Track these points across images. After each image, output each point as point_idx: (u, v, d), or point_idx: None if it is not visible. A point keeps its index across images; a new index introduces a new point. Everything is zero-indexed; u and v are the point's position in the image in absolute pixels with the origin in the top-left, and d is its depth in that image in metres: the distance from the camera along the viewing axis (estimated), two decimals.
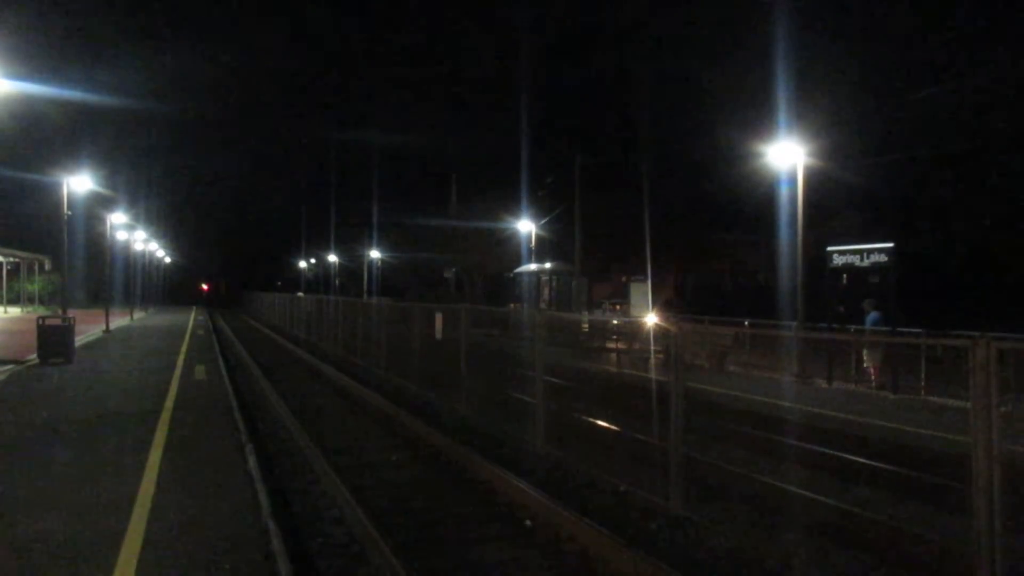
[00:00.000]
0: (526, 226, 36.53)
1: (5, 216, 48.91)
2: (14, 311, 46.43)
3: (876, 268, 17.87)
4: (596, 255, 40.39)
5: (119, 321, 38.85)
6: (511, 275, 37.73)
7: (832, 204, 29.97)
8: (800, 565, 6.47)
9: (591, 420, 12.21)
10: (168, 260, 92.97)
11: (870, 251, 18.09)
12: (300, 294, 55.29)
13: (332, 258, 76.13)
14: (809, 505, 7.74)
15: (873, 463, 9.39)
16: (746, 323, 22.49)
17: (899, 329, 17.03)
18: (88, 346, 24.41)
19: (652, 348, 20.44)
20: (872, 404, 13.70)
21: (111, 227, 40.33)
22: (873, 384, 15.88)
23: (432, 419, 12.32)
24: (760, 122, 22.95)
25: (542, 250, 36.76)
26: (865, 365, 16.45)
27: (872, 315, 16.82)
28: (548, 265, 34.17)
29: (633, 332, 22.28)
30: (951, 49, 28.37)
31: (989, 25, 27.65)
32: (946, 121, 27.51)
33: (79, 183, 27.85)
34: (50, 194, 32.38)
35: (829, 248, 19.27)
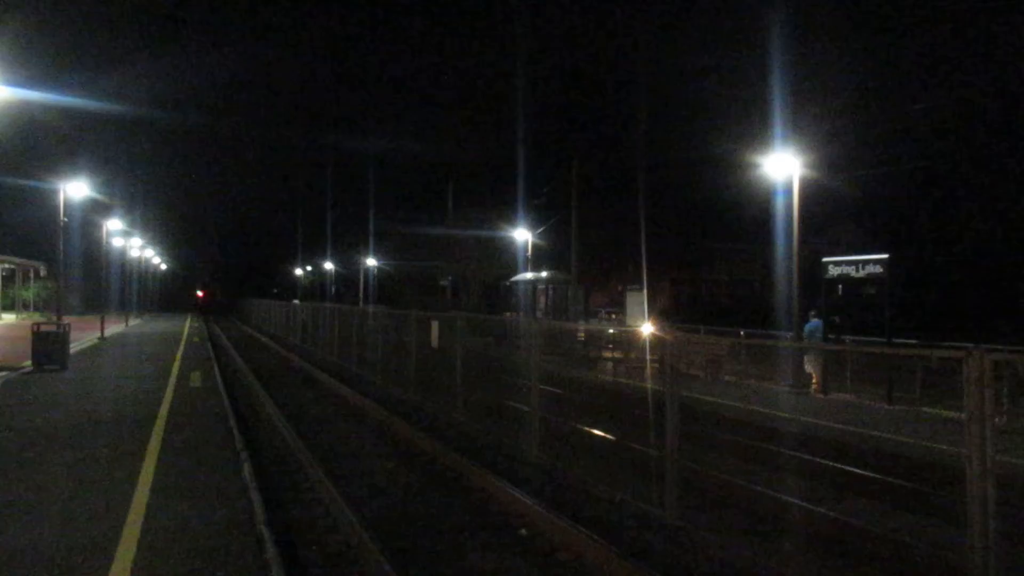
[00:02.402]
0: (522, 234, 36.56)
1: (0, 222, 48.85)
2: (9, 318, 46.31)
3: (871, 279, 17.92)
4: (593, 264, 40.46)
5: (114, 328, 38.79)
6: (507, 283, 37.75)
7: (828, 215, 30.08)
8: (796, 575, 6.47)
9: (586, 429, 12.21)
10: (164, 267, 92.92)
11: (865, 262, 18.14)
12: (296, 301, 55.22)
13: (328, 265, 76.12)
14: (804, 515, 7.75)
15: (868, 473, 9.41)
16: (741, 333, 22.52)
17: (894, 340, 17.08)
18: (83, 353, 24.35)
19: (648, 357, 20.47)
20: (867, 415, 13.73)
21: (107, 233, 40.30)
22: (812, 388, 17.00)
23: (428, 427, 12.32)
24: (757, 133, 23.07)
25: (539, 258, 36.77)
26: (807, 370, 17.47)
27: (811, 323, 18.24)
28: (544, 274, 34.17)
29: (629, 341, 22.29)
30: (947, 61, 28.53)
31: (985, 37, 27.82)
32: (941, 133, 27.65)
33: (75, 189, 27.84)
34: (46, 200, 32.38)
35: (824, 259, 19.30)
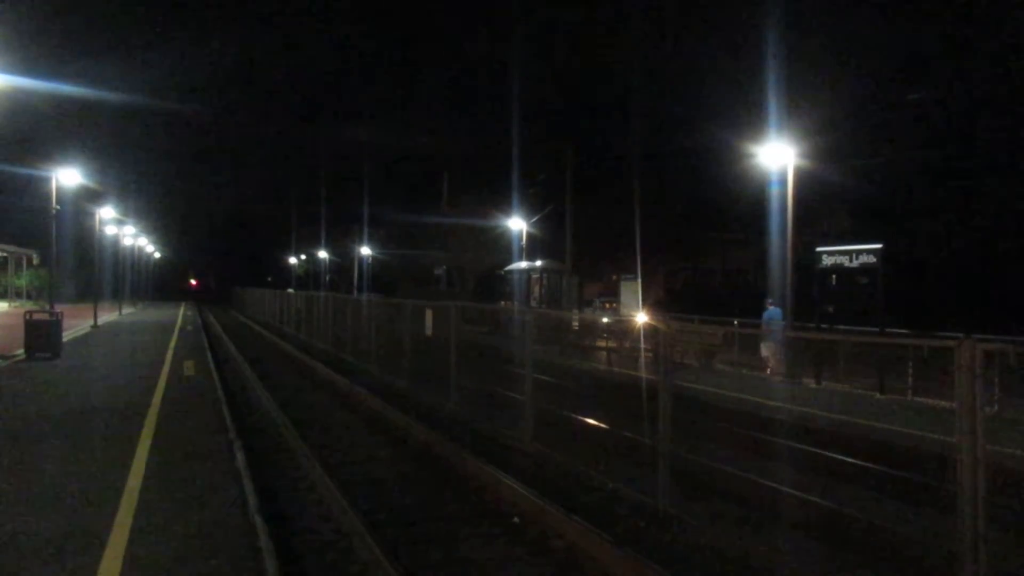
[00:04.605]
0: (517, 224, 36.52)
1: None
2: (1, 306, 46.12)
3: (864, 269, 17.97)
4: (587, 253, 40.43)
5: (107, 316, 38.67)
6: (502, 272, 37.74)
7: (822, 205, 30.11)
8: (785, 562, 6.51)
9: (580, 418, 12.24)
10: (157, 255, 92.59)
11: (858, 252, 18.19)
12: (290, 290, 55.13)
13: (323, 254, 75.97)
14: (795, 503, 7.79)
15: (859, 462, 9.45)
16: (735, 322, 22.56)
17: (887, 329, 17.13)
18: (76, 341, 24.29)
19: (642, 347, 20.48)
20: (859, 404, 13.77)
21: (100, 222, 40.11)
22: (768, 372, 17.80)
23: (422, 416, 12.32)
24: (752, 122, 23.04)
25: (533, 248, 36.75)
26: (764, 355, 18.23)
27: (769, 311, 18.80)
28: (539, 263, 34.17)
29: (623, 331, 22.32)
30: (943, 51, 28.51)
31: (980, 27, 27.80)
32: (936, 123, 27.66)
33: (68, 177, 27.64)
34: (38, 188, 32.17)
35: (818, 249, 19.34)
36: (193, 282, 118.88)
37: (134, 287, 65.09)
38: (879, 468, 9.18)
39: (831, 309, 18.78)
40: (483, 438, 11.01)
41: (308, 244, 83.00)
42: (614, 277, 40.04)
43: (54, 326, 18.79)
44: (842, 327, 17.75)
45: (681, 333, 18.44)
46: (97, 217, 39.38)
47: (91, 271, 40.28)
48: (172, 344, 24.30)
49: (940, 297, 25.63)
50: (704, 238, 43.96)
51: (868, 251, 18.01)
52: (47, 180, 27.06)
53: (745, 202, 30.46)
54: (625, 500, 7.90)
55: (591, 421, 12.03)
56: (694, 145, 35.00)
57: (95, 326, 30.97)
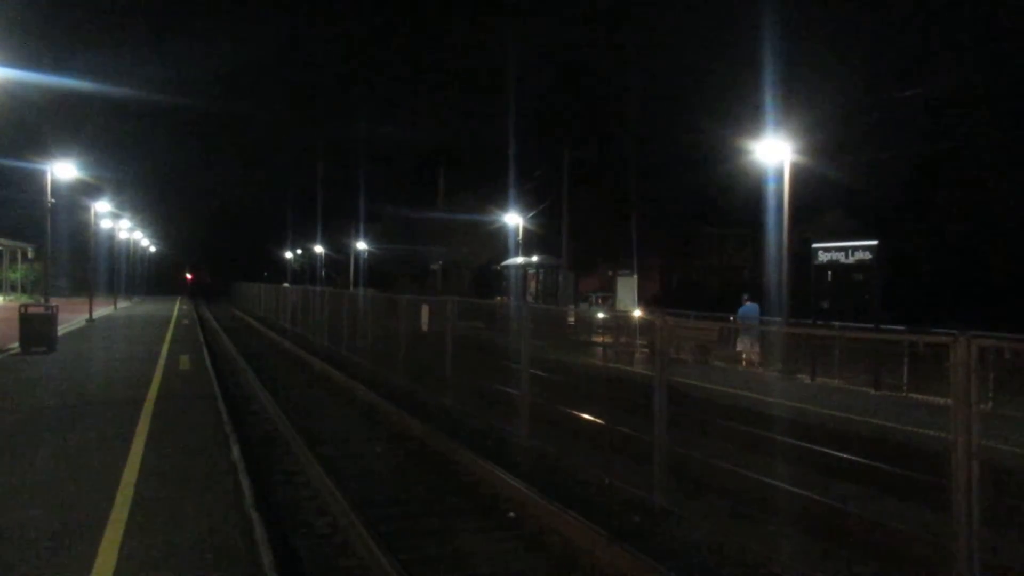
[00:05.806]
0: (514, 219, 36.49)
1: None
2: None
3: (861, 265, 17.97)
4: (583, 249, 40.43)
5: (103, 310, 38.58)
6: (498, 268, 37.72)
7: (819, 201, 30.15)
8: (781, 558, 6.52)
9: (576, 413, 12.24)
10: (153, 249, 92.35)
11: (855, 248, 18.18)
12: (286, 285, 55.05)
13: (319, 249, 75.88)
14: (790, 499, 7.80)
15: (854, 458, 9.47)
16: (731, 318, 22.57)
17: (882, 326, 17.15)
18: (71, 335, 24.23)
19: (637, 342, 20.53)
20: (854, 401, 13.80)
21: (95, 215, 39.99)
22: (748, 365, 18.33)
23: (417, 411, 12.32)
24: (748, 118, 23.04)
25: (529, 243, 36.71)
26: (739, 349, 18.69)
27: (745, 306, 19.20)
28: (535, 258, 34.15)
29: (619, 326, 22.34)
30: (940, 48, 28.56)
31: (978, 24, 27.85)
32: (933, 120, 27.70)
33: (63, 170, 27.52)
34: (33, 181, 32.02)
35: (814, 245, 19.34)
36: (189, 276, 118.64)
37: (129, 281, 64.95)
38: (874, 464, 9.20)
39: (826, 305, 18.77)
40: (479, 433, 11.02)
41: (304, 239, 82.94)
42: (610, 273, 40.05)
43: (49, 320, 18.74)
44: (837, 323, 17.72)
45: (677, 329, 18.46)
46: (93, 211, 39.25)
47: (86, 265, 40.19)
48: (167, 338, 24.26)
49: (936, 294, 25.68)
50: (701, 234, 44.05)
51: (864, 248, 18.01)
52: (42, 173, 26.97)
53: (742, 199, 30.49)
54: (621, 495, 7.91)
55: (587, 416, 12.03)
56: (692, 141, 35.02)
57: (90, 320, 30.89)
